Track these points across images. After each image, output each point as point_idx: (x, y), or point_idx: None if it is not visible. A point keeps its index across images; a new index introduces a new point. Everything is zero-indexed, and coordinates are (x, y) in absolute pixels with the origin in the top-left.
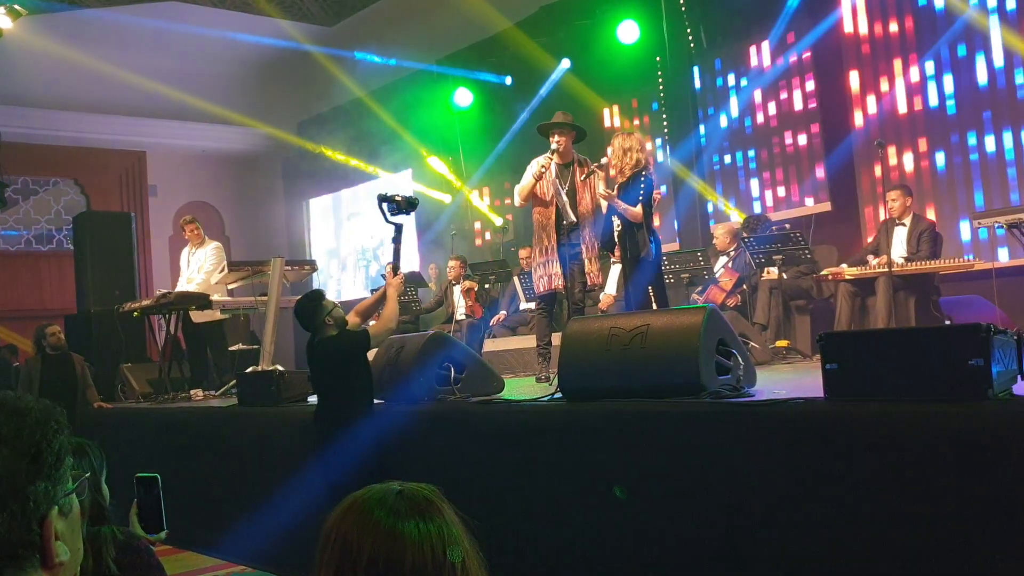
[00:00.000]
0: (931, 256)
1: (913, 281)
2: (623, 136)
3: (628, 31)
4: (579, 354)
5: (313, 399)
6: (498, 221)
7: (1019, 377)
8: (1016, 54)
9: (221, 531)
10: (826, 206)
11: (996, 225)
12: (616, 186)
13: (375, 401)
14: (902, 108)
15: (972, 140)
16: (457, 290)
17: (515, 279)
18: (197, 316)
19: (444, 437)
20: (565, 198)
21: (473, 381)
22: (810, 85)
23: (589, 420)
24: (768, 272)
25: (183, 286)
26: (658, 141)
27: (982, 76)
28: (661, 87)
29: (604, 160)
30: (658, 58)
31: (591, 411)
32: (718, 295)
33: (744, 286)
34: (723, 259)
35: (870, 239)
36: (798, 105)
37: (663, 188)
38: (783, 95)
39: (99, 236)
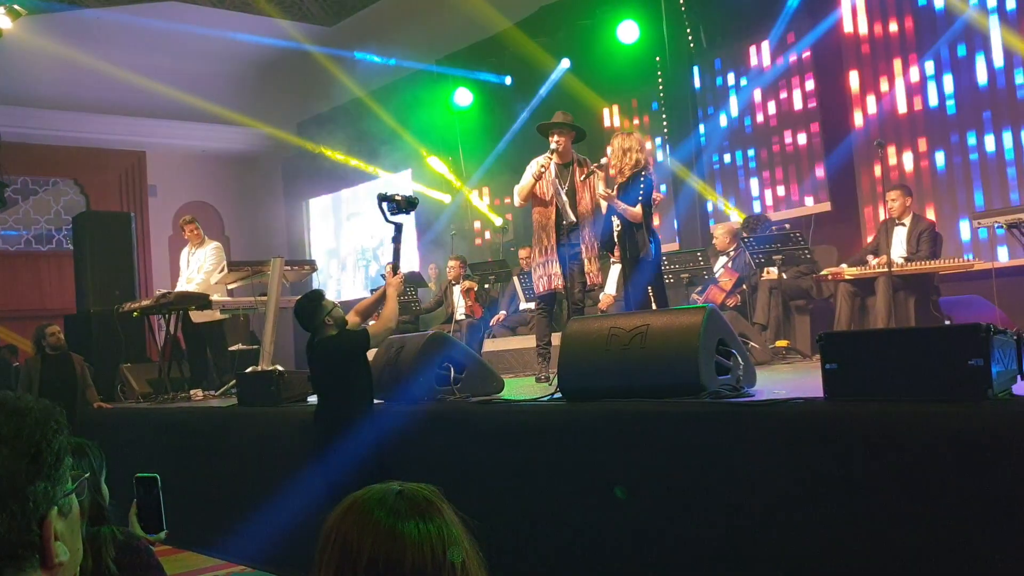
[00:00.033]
0: (931, 256)
1: (913, 281)
2: (623, 136)
3: (628, 31)
4: (579, 354)
5: (313, 399)
6: (498, 221)
7: (1019, 377)
8: (1016, 54)
9: (221, 531)
10: (826, 206)
11: (996, 225)
12: (616, 186)
13: (375, 401)
14: (902, 108)
15: (972, 140)
16: (457, 290)
17: (515, 279)
18: (197, 316)
19: (444, 437)
20: (565, 198)
21: (473, 381)
22: (810, 85)
23: (589, 420)
24: (768, 272)
25: (183, 286)
26: (658, 140)
27: (982, 76)
28: (661, 87)
29: (604, 160)
30: (658, 58)
31: (591, 411)
32: (718, 295)
33: (744, 286)
34: (723, 259)
35: (870, 239)
36: (798, 105)
37: (663, 187)
38: (783, 94)
39: (99, 236)
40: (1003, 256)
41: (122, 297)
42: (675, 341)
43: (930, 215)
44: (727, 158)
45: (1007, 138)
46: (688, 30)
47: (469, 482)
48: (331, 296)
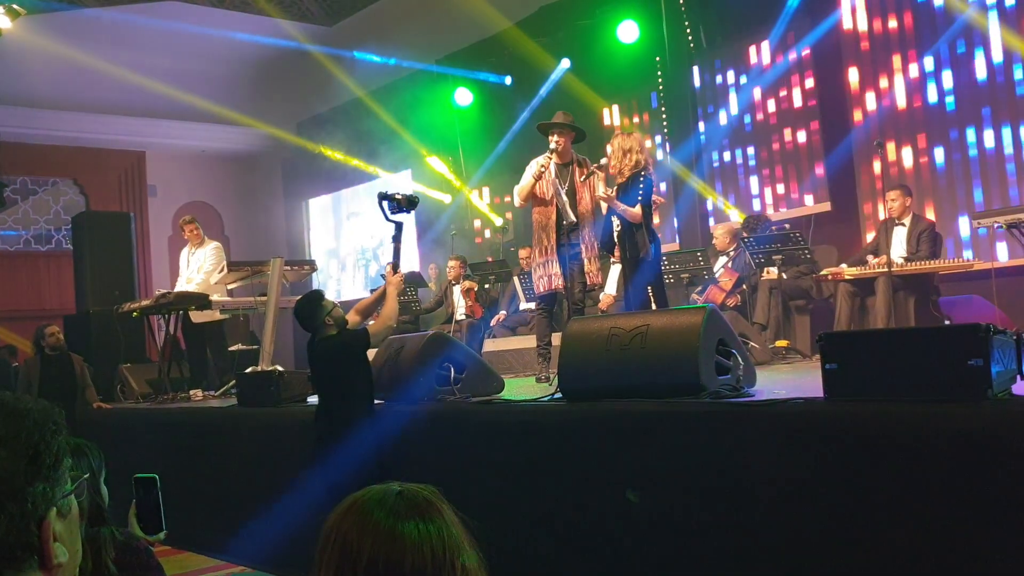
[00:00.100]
0: (931, 256)
1: (913, 281)
2: (623, 136)
3: (628, 31)
4: (579, 354)
5: (313, 399)
6: (498, 221)
7: (1018, 377)
8: (1015, 52)
9: (220, 532)
10: (826, 206)
11: (996, 225)
12: (615, 186)
13: (375, 401)
14: (901, 104)
15: (971, 137)
16: (457, 290)
17: (515, 279)
18: (196, 316)
19: (444, 437)
20: (565, 198)
21: (473, 381)
22: (809, 83)
23: (589, 420)
24: (768, 272)
25: (182, 286)
26: (657, 139)
27: (981, 72)
28: (661, 87)
29: (604, 160)
30: (658, 58)
31: (591, 411)
32: (718, 295)
33: (744, 286)
34: (723, 259)
35: (870, 237)
36: (798, 102)
37: (663, 186)
38: (783, 92)
39: (98, 236)
40: (1003, 253)
41: (121, 297)
42: (675, 341)
43: (930, 212)
44: (727, 156)
45: (1006, 134)
46: (688, 30)
47: (469, 482)
48: (331, 296)
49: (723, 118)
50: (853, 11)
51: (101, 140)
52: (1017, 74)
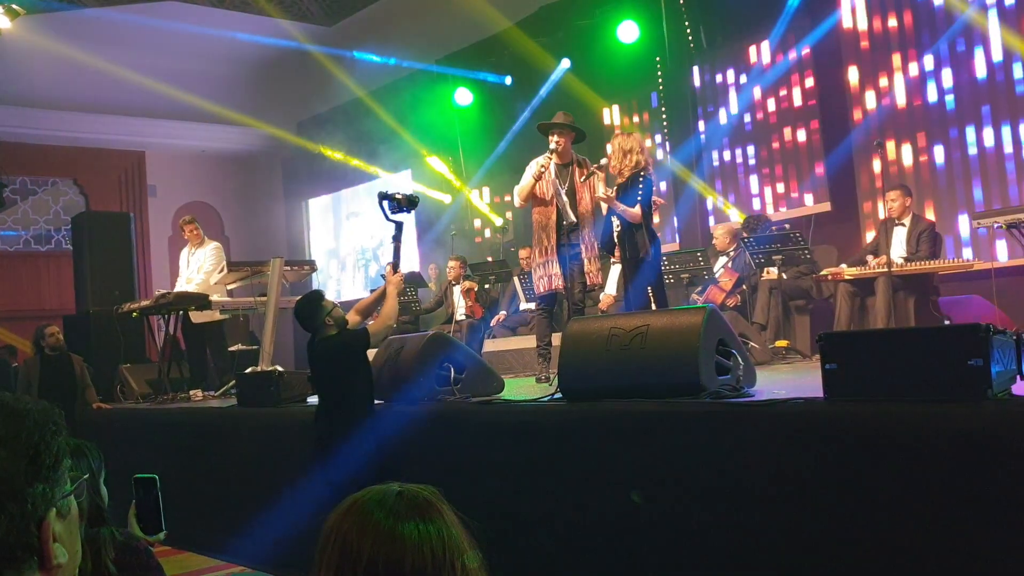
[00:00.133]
0: (930, 256)
1: (912, 281)
2: (623, 136)
3: (628, 31)
4: (579, 354)
5: (312, 400)
6: (498, 221)
7: (1018, 377)
8: (1015, 52)
9: (220, 532)
10: (826, 206)
11: (996, 225)
12: (615, 186)
13: (375, 401)
14: (901, 103)
15: (971, 135)
16: (457, 290)
17: (515, 279)
18: (196, 316)
19: (444, 438)
20: (565, 198)
21: (473, 381)
22: (809, 82)
23: (589, 420)
24: (768, 272)
25: (182, 286)
26: (657, 138)
27: (981, 71)
28: (661, 87)
29: (604, 161)
30: (658, 58)
31: (591, 411)
32: (718, 295)
33: (744, 286)
34: (723, 259)
35: (869, 237)
36: (797, 102)
37: (663, 186)
38: (782, 92)
39: (98, 236)
40: (1003, 253)
41: (121, 297)
42: (675, 341)
43: (929, 211)
44: (727, 156)
45: (1006, 133)
46: (688, 30)
47: (469, 483)
48: (331, 296)
49: (723, 117)
50: (853, 10)
51: (101, 140)
52: (1017, 72)
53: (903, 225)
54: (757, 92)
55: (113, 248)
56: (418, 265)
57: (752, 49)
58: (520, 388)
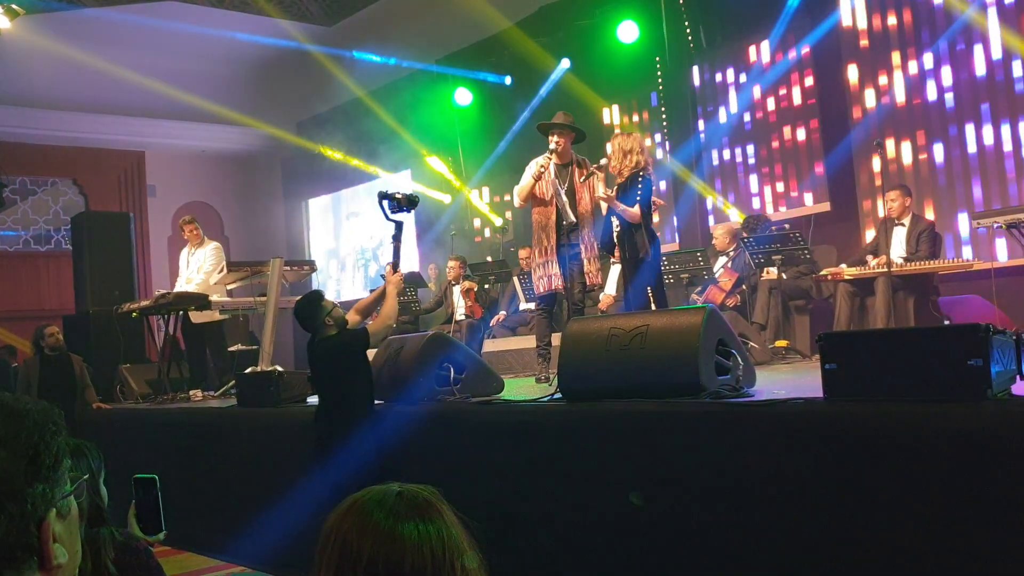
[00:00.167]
0: (930, 256)
1: (912, 281)
2: (622, 136)
3: (628, 31)
4: (579, 354)
5: (312, 400)
6: (498, 221)
7: (1018, 377)
8: (1015, 52)
9: (220, 532)
10: (825, 206)
11: (996, 225)
12: (615, 186)
13: (375, 401)
14: (900, 101)
15: (970, 133)
16: (457, 290)
17: (515, 279)
18: (196, 317)
19: (444, 438)
20: (564, 198)
21: (473, 382)
22: (809, 81)
23: (589, 420)
24: (767, 272)
25: (182, 286)
26: (657, 137)
27: (980, 69)
28: (661, 87)
29: (603, 161)
30: (657, 58)
31: (591, 411)
32: (717, 295)
33: (743, 286)
34: (722, 259)
35: (869, 235)
36: (797, 100)
37: (662, 185)
38: (782, 91)
39: (98, 236)
40: (1002, 253)
41: (121, 297)
42: (675, 341)
43: (929, 209)
44: (726, 155)
45: (1005, 131)
46: (688, 30)
47: (469, 483)
48: (331, 296)
49: (723, 117)
50: (852, 9)
51: (100, 140)
52: (1016, 71)
53: (903, 225)
54: (757, 91)
55: (113, 248)
56: (418, 265)
57: (752, 49)
58: (520, 388)
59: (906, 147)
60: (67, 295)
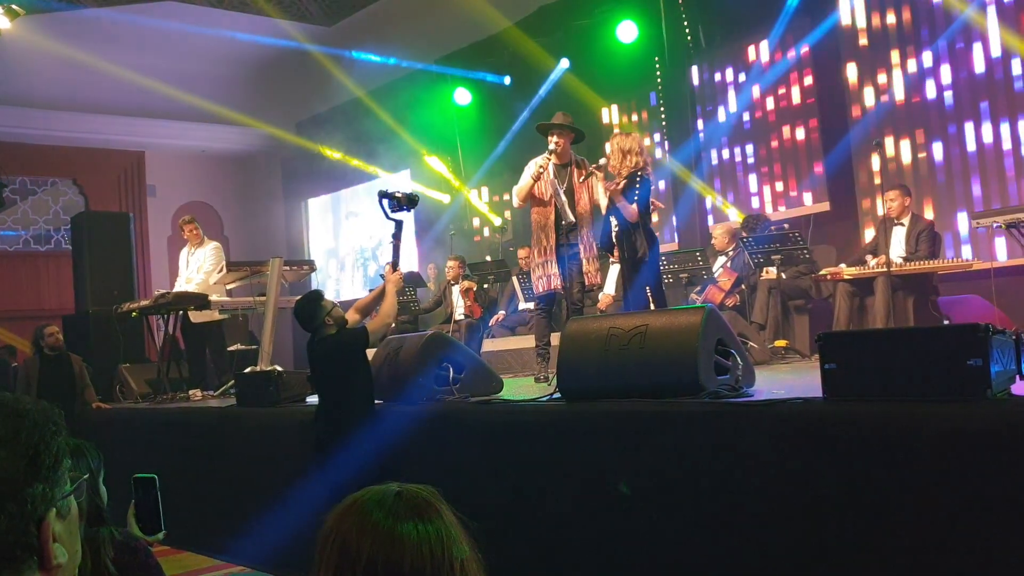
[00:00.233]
0: (930, 256)
1: (912, 281)
2: (621, 136)
3: (627, 31)
4: (578, 354)
5: (312, 399)
6: (497, 221)
7: (1017, 377)
8: (1014, 51)
9: (220, 532)
10: (824, 206)
11: (995, 225)
12: (614, 186)
13: (375, 401)
14: (899, 99)
15: (970, 132)
16: (456, 290)
17: (514, 279)
18: (196, 316)
19: (443, 438)
20: (563, 198)
21: (472, 381)
22: (808, 80)
23: (588, 420)
24: (767, 272)
25: (182, 286)
26: (656, 137)
27: (979, 66)
28: (660, 87)
29: (602, 161)
30: (656, 58)
31: (590, 411)
32: (717, 295)
33: (743, 286)
34: (722, 259)
35: (868, 233)
36: (796, 99)
37: (661, 184)
38: (781, 90)
39: (97, 236)
40: (1002, 252)
41: (121, 297)
42: (674, 341)
43: (928, 208)
44: (725, 154)
45: (1004, 129)
46: (687, 30)
47: (468, 483)
48: (330, 296)
49: (722, 116)
50: (852, 8)
51: (100, 140)
52: (1015, 69)
53: (902, 225)
54: (756, 91)
55: (112, 248)
56: (417, 265)
57: (751, 48)
58: (519, 388)
59: (905, 146)
60: (67, 295)
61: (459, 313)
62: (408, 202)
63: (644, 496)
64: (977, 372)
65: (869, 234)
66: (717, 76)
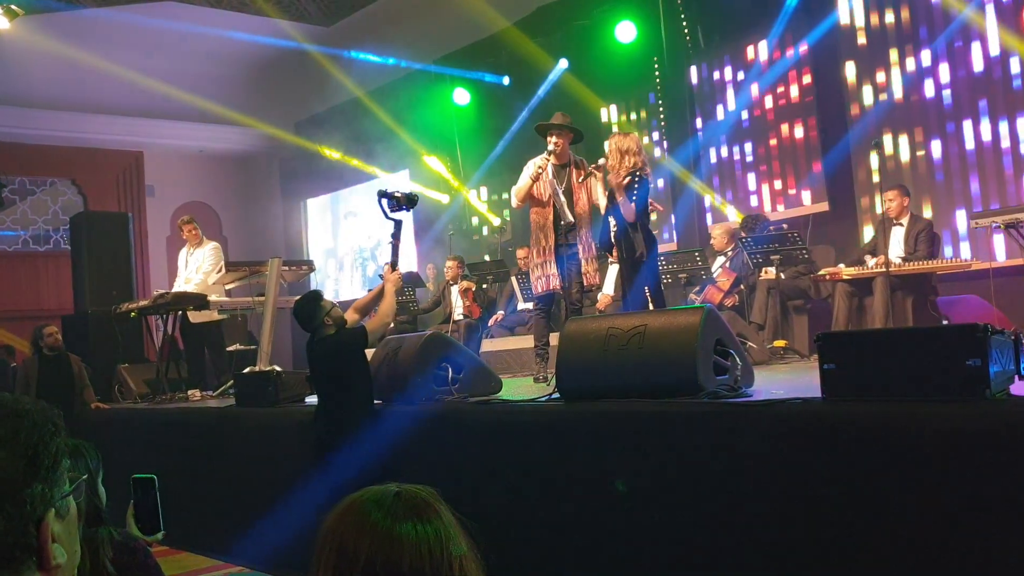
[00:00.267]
0: (928, 256)
1: (910, 281)
2: (619, 136)
3: (626, 31)
4: (577, 354)
5: (311, 399)
6: (496, 221)
7: (1016, 377)
8: (1013, 50)
9: (218, 532)
10: (823, 206)
11: (994, 225)
12: (612, 186)
13: (374, 402)
14: (898, 98)
15: (968, 130)
16: (455, 290)
17: (513, 279)
18: (195, 316)
19: (442, 438)
20: (563, 198)
21: (471, 382)
22: (807, 78)
23: (587, 421)
24: (766, 272)
25: (181, 286)
26: (655, 136)
27: (978, 64)
28: (659, 86)
29: (601, 161)
30: (655, 58)
31: (589, 411)
32: (716, 295)
33: (742, 286)
34: (721, 259)
35: (867, 232)
36: (795, 98)
37: (660, 183)
38: (780, 89)
39: (96, 236)
40: (1000, 252)
41: (120, 297)
42: (673, 341)
43: (927, 206)
44: (724, 153)
45: (1003, 127)
46: (686, 30)
47: (467, 483)
48: (329, 296)
49: (720, 115)
50: (850, 7)
51: (99, 140)
52: (1014, 67)
53: (901, 225)
54: (755, 89)
55: (111, 248)
56: (416, 265)
57: (750, 48)
58: (518, 388)
59: (904, 145)
60: (66, 295)
61: (458, 313)
62: (407, 202)
63: (643, 496)
64: (976, 372)
65: (868, 232)
66: (716, 75)
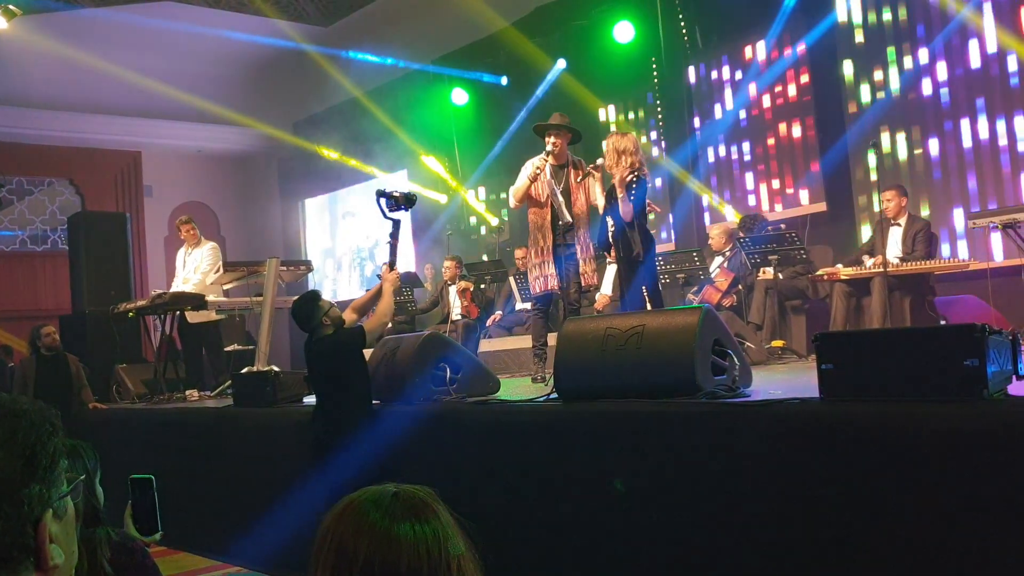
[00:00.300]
0: (926, 256)
1: (908, 281)
2: (617, 136)
3: (624, 31)
4: (575, 354)
5: (309, 399)
6: (494, 221)
7: (1014, 377)
8: (1009, 47)
9: (217, 532)
10: (821, 206)
11: (991, 225)
12: (611, 185)
13: (372, 402)
14: (896, 96)
15: (965, 128)
16: (453, 290)
17: (511, 279)
18: (193, 316)
19: (440, 438)
20: (561, 199)
21: (469, 382)
22: (804, 78)
23: (585, 421)
24: (764, 272)
25: (179, 286)
26: (653, 136)
27: (975, 62)
28: (657, 86)
29: (599, 161)
30: (653, 58)
31: (587, 412)
32: (714, 295)
33: (740, 286)
34: (719, 259)
35: (865, 231)
36: (793, 96)
37: (658, 182)
38: (777, 88)
39: (94, 236)
40: (998, 251)
41: (118, 297)
42: (671, 341)
43: (925, 205)
44: (722, 152)
45: (1000, 126)
46: (684, 30)
47: (465, 483)
48: (327, 296)
49: (718, 114)
50: (848, 6)
51: (97, 140)
52: (1011, 65)
53: (899, 225)
54: (752, 89)
55: (109, 248)
56: (414, 265)
57: (748, 48)
58: (516, 388)
59: (901, 143)
60: (64, 295)
61: (456, 313)
62: (406, 201)
63: (641, 496)
64: (974, 372)
65: (865, 232)
66: (714, 75)
